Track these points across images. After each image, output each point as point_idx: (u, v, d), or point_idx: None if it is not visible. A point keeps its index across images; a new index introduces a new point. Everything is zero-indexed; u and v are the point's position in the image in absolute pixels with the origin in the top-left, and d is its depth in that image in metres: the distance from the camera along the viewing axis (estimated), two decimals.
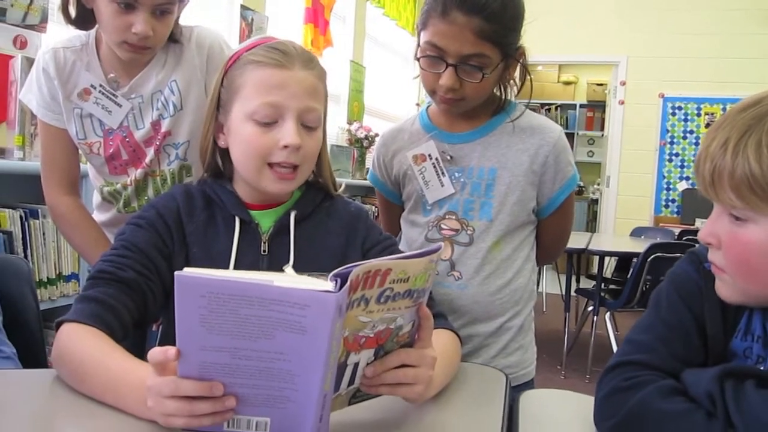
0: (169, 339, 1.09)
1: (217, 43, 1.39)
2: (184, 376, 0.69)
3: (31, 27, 2.43)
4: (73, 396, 0.87)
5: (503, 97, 1.29)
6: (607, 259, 3.97)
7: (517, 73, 1.26)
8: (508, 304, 1.28)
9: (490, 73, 1.17)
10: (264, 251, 1.07)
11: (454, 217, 1.27)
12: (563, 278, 3.90)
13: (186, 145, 1.40)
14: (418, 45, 1.20)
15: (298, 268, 1.07)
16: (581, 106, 8.29)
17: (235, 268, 1.05)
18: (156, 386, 0.72)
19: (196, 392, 0.69)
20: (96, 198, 1.55)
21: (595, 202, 7.64)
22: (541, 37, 6.81)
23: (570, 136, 8.36)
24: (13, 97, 2.21)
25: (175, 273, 0.63)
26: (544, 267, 5.29)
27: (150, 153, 1.38)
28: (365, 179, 4.91)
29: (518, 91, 1.28)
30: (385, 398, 0.85)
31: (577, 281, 4.43)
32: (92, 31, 1.37)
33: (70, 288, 2.24)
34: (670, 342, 0.86)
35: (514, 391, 1.27)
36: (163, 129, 1.37)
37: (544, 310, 5.40)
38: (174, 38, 1.35)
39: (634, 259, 3.46)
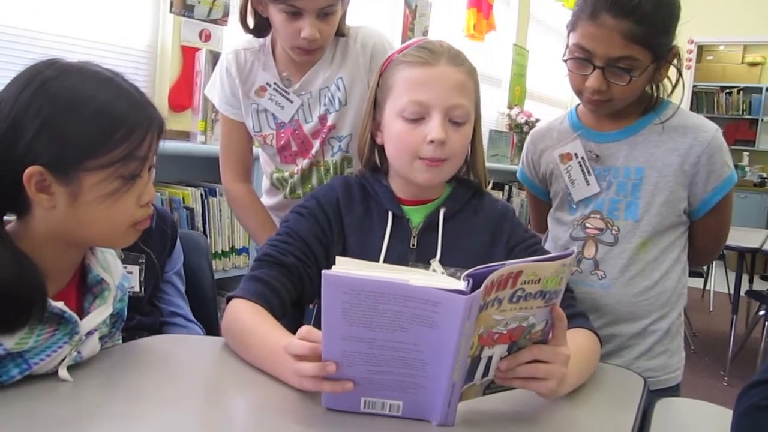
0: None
1: (380, 42, 1.46)
2: (327, 360, 0.77)
3: (214, 21, 2.67)
4: (238, 363, 0.99)
5: (655, 96, 1.25)
6: None
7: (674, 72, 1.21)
8: (654, 306, 1.25)
9: (638, 76, 1.14)
10: (413, 245, 1.13)
11: (599, 216, 1.26)
12: (733, 276, 3.61)
13: (348, 138, 1.49)
14: (567, 46, 1.20)
15: (444, 263, 1.12)
16: None
17: (386, 259, 1.12)
18: (288, 346, 0.83)
19: (314, 371, 0.78)
20: (265, 183, 1.69)
21: None
22: (723, 15, 6.33)
23: (754, 123, 7.69)
24: (198, 86, 2.45)
25: (323, 271, 0.71)
26: (713, 264, 4.94)
27: (316, 145, 1.49)
28: None
29: (670, 93, 1.24)
30: (519, 392, 0.88)
31: (750, 281, 4.10)
32: None
33: (241, 260, 2.47)
34: None
35: (657, 396, 1.25)
36: (329, 123, 1.47)
37: (711, 310, 5.05)
38: (340, 32, 1.44)
39: None
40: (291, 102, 1.48)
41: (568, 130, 1.31)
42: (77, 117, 0.82)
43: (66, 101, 0.82)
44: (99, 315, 0.92)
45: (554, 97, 5.87)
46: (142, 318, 1.45)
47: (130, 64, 2.52)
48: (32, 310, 0.80)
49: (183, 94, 2.59)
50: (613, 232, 1.24)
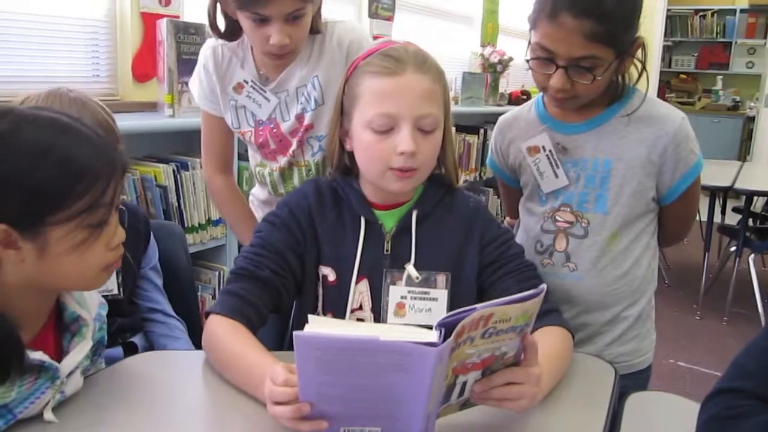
0: (300, 323, 1.21)
1: (357, 39, 1.42)
2: (305, 401, 0.79)
3: None
4: (221, 384, 1.01)
5: (621, 85, 1.24)
6: None
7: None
8: (626, 293, 1.28)
9: (602, 74, 1.13)
10: (387, 250, 1.14)
11: (568, 210, 1.27)
12: (706, 209, 3.65)
13: (327, 138, 1.47)
14: (529, 44, 1.18)
15: (419, 266, 1.14)
16: (742, 11, 7.50)
17: (360, 266, 1.14)
18: (269, 392, 0.84)
19: (290, 415, 0.80)
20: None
21: (752, 119, 7.03)
22: None
23: (728, 46, 7.66)
24: (161, 56, 2.38)
25: (294, 333, 0.72)
26: None
27: (294, 143, 1.47)
28: (499, 105, 4.82)
29: (636, 81, 1.23)
30: None
31: (723, 213, 4.18)
32: None
33: (218, 231, 2.46)
34: None
35: (629, 379, 1.30)
36: (306, 122, 1.44)
37: (685, 242, 5.15)
38: (315, 29, 1.40)
39: None
40: (268, 100, 1.45)
41: (535, 120, 1.31)
42: (38, 171, 0.80)
43: (25, 155, 0.80)
44: (79, 353, 0.93)
45: (527, 32, 5.77)
46: (122, 320, 1.47)
47: (89, 35, 2.42)
48: (11, 367, 0.81)
49: (146, 63, 2.51)
50: (583, 224, 1.26)
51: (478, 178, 4.42)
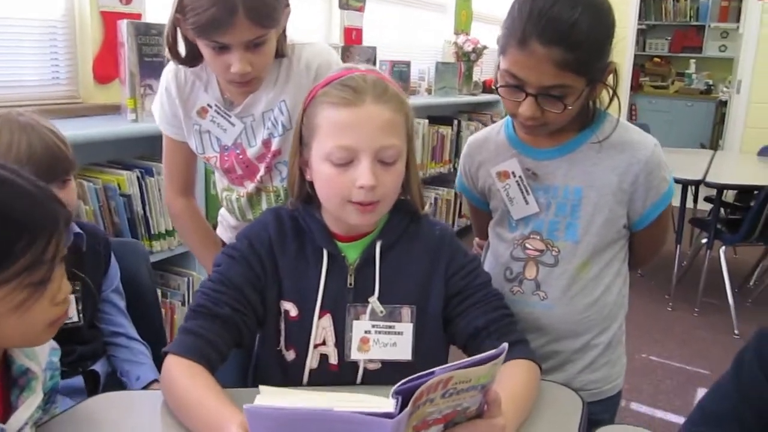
0: (262, 360, 1.18)
1: (326, 62, 1.37)
2: None
3: None
4: (179, 427, 0.97)
5: (592, 110, 1.21)
6: None
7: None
8: (596, 321, 1.26)
9: (572, 103, 1.10)
10: (350, 284, 1.11)
11: (538, 237, 1.24)
12: (678, 201, 3.66)
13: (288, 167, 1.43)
14: (498, 69, 1.14)
15: (384, 300, 1.11)
16: None
17: (322, 301, 1.10)
18: None
19: None
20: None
21: (724, 103, 7.07)
22: None
23: (700, 29, 7.68)
24: (123, 57, 2.31)
25: (245, 406, 0.69)
26: None
27: (261, 169, 1.42)
28: (473, 94, 4.80)
29: (608, 105, 1.20)
30: None
31: (695, 201, 4.20)
32: None
33: None
34: (745, 417, 0.84)
35: (599, 405, 1.29)
36: (274, 147, 1.40)
37: None
38: (281, 53, 1.35)
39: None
40: (233, 125, 1.40)
41: (505, 144, 1.27)
42: None
43: None
44: (27, 409, 0.89)
45: (502, 18, 5.72)
46: (83, 348, 1.43)
47: (47, 36, 2.35)
48: None
49: (108, 64, 2.44)
50: (554, 253, 1.23)
51: (451, 170, 4.40)
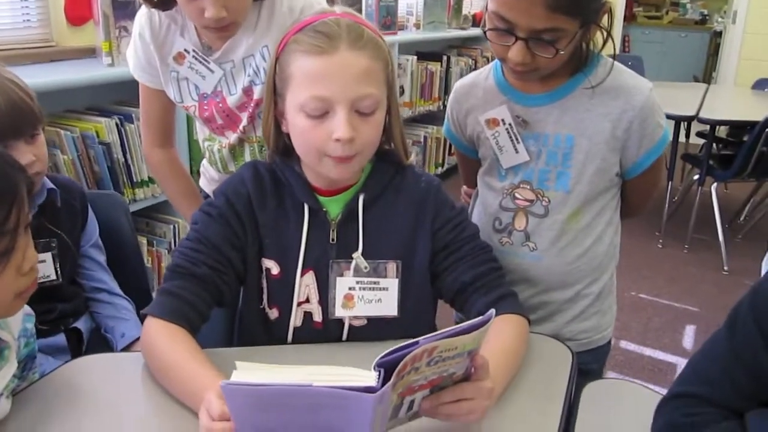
0: (245, 319, 1.15)
1: (309, 4, 1.29)
2: None
3: None
4: (160, 390, 0.96)
5: (585, 53, 1.15)
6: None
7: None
8: (586, 271, 1.24)
9: (564, 48, 1.04)
10: (333, 240, 1.08)
11: (528, 187, 1.20)
12: (670, 136, 3.59)
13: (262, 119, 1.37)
14: (486, 11, 1.07)
15: (368, 255, 1.08)
16: None
17: (305, 258, 1.07)
18: (206, 427, 0.77)
19: None
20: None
21: (719, 34, 6.93)
22: None
23: None
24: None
25: (221, 383, 0.66)
26: None
27: (244, 119, 1.36)
28: (462, 28, 4.67)
29: (601, 48, 1.14)
30: None
31: (687, 137, 4.15)
32: None
33: None
34: (737, 377, 0.82)
35: (589, 355, 1.28)
36: (256, 96, 1.33)
37: None
38: None
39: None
40: (212, 72, 1.33)
41: (494, 89, 1.22)
42: None
43: None
44: (2, 379, 0.87)
45: None
46: (63, 305, 1.40)
47: None
48: None
49: (81, 4, 2.33)
50: (544, 203, 1.20)
51: (441, 108, 4.32)
